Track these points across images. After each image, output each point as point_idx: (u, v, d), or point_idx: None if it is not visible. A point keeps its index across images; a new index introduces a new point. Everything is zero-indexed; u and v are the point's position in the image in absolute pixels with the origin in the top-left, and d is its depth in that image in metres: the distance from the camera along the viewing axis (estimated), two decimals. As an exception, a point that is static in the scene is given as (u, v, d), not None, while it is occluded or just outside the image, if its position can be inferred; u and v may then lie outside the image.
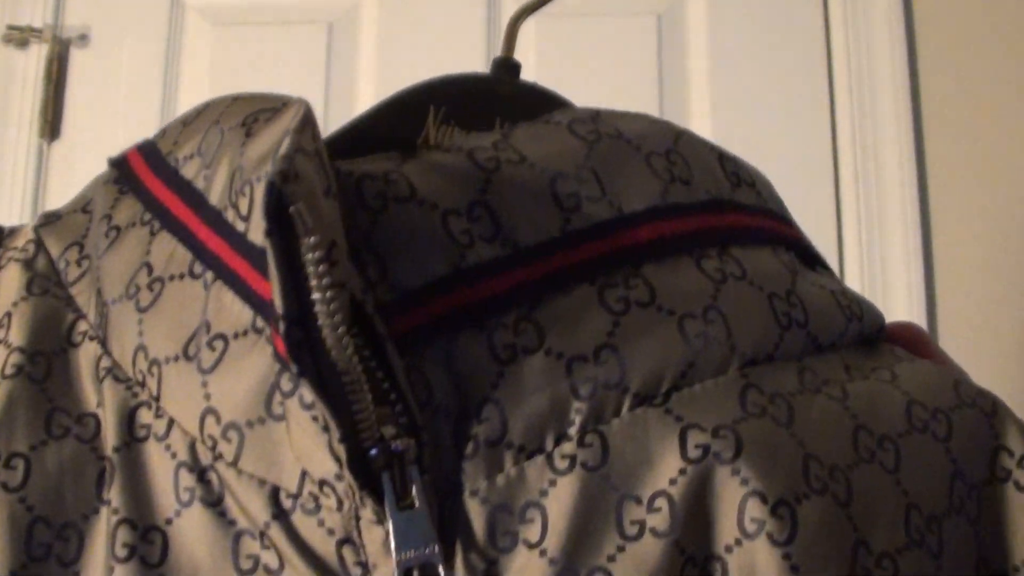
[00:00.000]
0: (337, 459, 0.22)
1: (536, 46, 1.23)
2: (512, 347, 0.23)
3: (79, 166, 1.23)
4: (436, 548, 0.21)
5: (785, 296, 0.27)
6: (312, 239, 0.21)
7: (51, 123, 1.25)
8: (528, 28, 1.22)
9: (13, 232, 0.30)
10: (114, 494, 0.24)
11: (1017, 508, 0.25)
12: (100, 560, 0.24)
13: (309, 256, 0.21)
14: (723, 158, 0.30)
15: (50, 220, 0.30)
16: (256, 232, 0.24)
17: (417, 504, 0.22)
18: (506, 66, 0.34)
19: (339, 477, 0.22)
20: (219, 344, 0.24)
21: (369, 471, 0.22)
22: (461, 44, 1.21)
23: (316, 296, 0.21)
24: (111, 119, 1.23)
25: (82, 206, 0.30)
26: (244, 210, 0.25)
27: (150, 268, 0.26)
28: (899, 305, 1.15)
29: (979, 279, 1.16)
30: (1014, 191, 1.17)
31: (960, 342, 1.14)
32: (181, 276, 0.25)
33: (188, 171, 0.27)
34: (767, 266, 0.27)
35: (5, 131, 1.26)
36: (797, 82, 1.21)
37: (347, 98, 1.22)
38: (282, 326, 0.21)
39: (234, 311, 0.24)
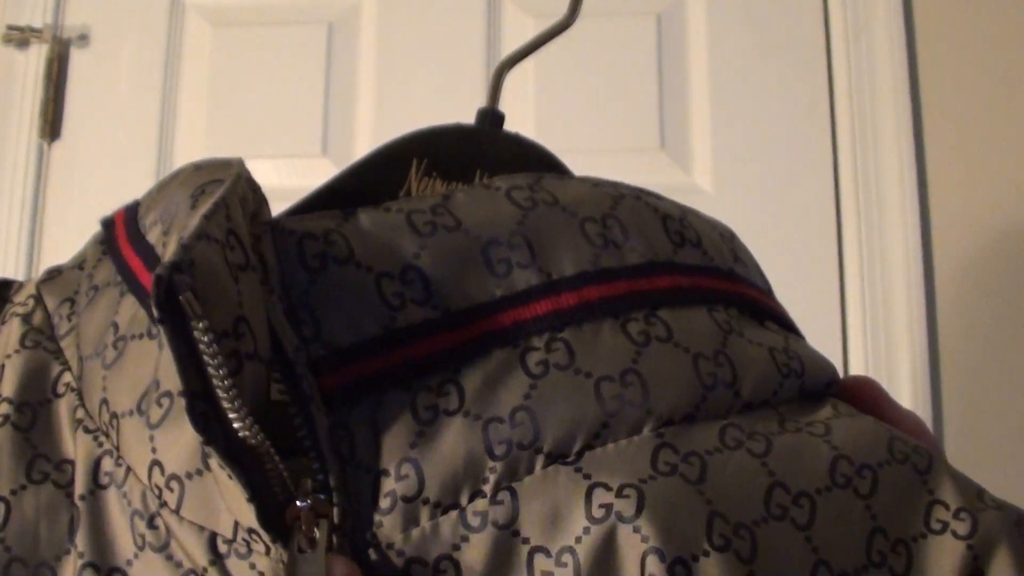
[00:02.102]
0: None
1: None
2: (434, 408, 0.25)
3: (79, 166, 1.23)
4: None
5: (712, 356, 0.27)
6: (202, 324, 0.22)
7: (51, 123, 1.25)
8: (528, 28, 1.22)
9: (20, 287, 0.33)
10: (80, 540, 0.26)
11: (953, 556, 0.26)
12: None
13: (202, 339, 0.22)
14: (667, 218, 0.30)
15: (52, 276, 0.32)
16: None
17: (316, 550, 0.23)
18: (490, 117, 0.36)
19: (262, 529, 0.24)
20: (165, 401, 0.26)
21: (282, 523, 0.24)
22: (461, 44, 1.21)
23: (211, 373, 0.22)
24: (111, 119, 1.23)
25: (79, 263, 0.32)
26: None
27: (116, 328, 0.28)
28: (899, 305, 1.15)
29: (979, 279, 1.16)
30: (1014, 191, 1.17)
31: (960, 342, 1.14)
32: (140, 336, 0.27)
33: (152, 236, 0.29)
34: (698, 326, 0.28)
35: (5, 131, 1.26)
36: (797, 82, 1.21)
37: (347, 98, 1.22)
38: (183, 402, 0.22)
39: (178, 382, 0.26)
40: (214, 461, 0.24)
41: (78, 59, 1.28)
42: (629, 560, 0.23)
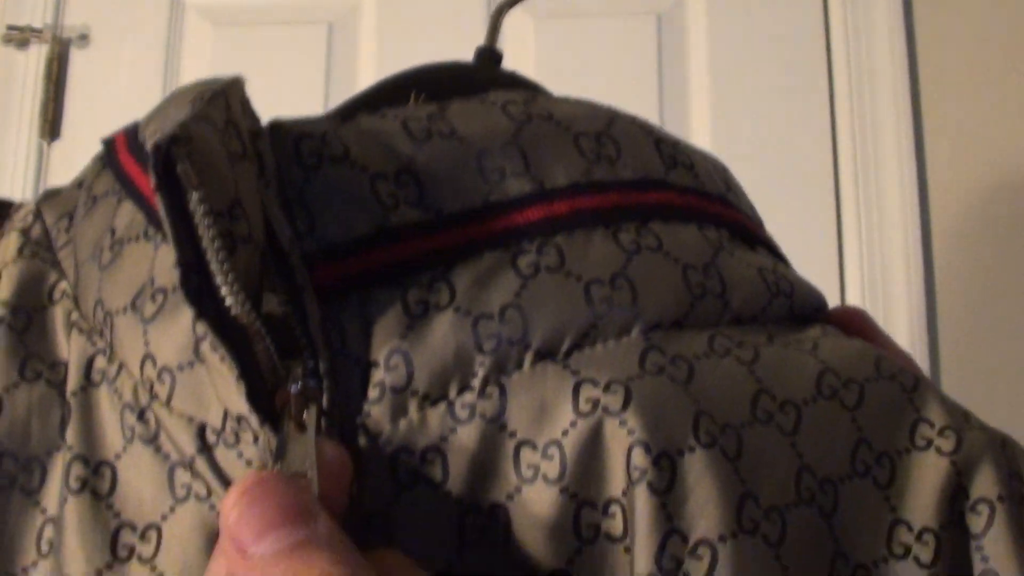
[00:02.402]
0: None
1: (536, 46, 1.23)
2: (424, 303, 0.25)
3: (79, 166, 1.22)
4: (311, 464, 0.22)
5: (702, 268, 0.28)
6: (197, 194, 0.22)
7: (51, 123, 1.25)
8: (528, 28, 1.22)
9: (20, 207, 0.33)
10: (70, 434, 0.27)
11: (937, 471, 0.26)
12: (57, 491, 0.26)
13: (198, 209, 0.22)
14: (660, 142, 0.31)
15: (51, 195, 0.33)
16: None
17: (305, 431, 0.23)
18: (488, 55, 0.35)
19: (251, 413, 0.24)
20: (159, 297, 0.26)
21: (272, 408, 0.24)
22: (461, 44, 1.21)
23: (206, 244, 0.23)
24: (111, 119, 1.23)
25: (78, 182, 0.33)
26: None
27: (113, 232, 0.28)
28: (899, 305, 1.15)
29: (979, 279, 1.16)
30: (1014, 191, 1.17)
31: (960, 342, 1.14)
32: (136, 238, 0.28)
33: (149, 146, 0.29)
34: (687, 240, 0.28)
35: (5, 131, 1.26)
36: (797, 82, 1.21)
37: (347, 98, 1.22)
38: (177, 273, 0.23)
39: (174, 268, 0.26)
40: (206, 344, 0.24)
41: (78, 59, 1.28)
42: (615, 453, 0.23)
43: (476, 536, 0.24)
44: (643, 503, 0.23)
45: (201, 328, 0.24)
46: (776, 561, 0.23)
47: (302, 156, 0.27)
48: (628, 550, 0.23)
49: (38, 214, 0.32)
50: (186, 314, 0.25)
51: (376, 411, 0.24)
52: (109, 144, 0.32)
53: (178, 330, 0.25)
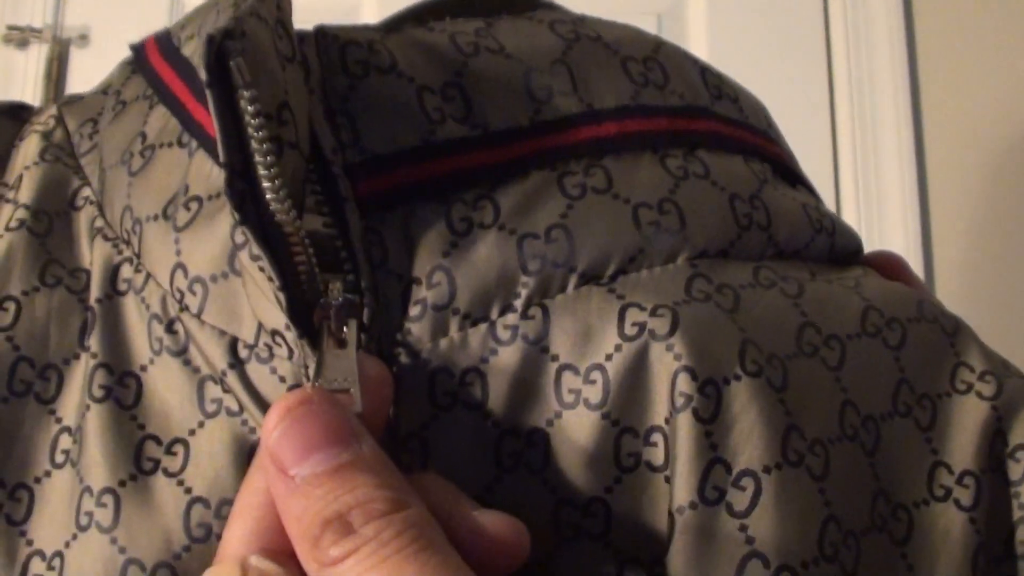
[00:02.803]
0: (282, 308, 0.23)
1: (536, 46, 1.23)
2: (468, 220, 0.24)
3: (79, 166, 1.23)
4: (354, 380, 0.22)
5: (748, 199, 0.27)
6: (249, 93, 0.21)
7: (51, 123, 1.25)
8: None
9: (40, 110, 0.32)
10: (94, 341, 0.26)
11: (977, 415, 0.26)
12: (76, 400, 0.26)
13: (248, 109, 0.21)
14: (705, 71, 0.30)
15: (73, 100, 0.32)
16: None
17: (347, 347, 0.22)
18: None
19: (288, 327, 0.23)
20: (194, 205, 0.25)
21: (310, 322, 0.23)
22: None
23: (255, 147, 0.21)
24: (111, 119, 1.23)
25: (103, 88, 0.32)
26: None
27: (144, 137, 0.27)
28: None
29: (979, 279, 1.16)
30: (1014, 191, 1.17)
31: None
32: (170, 144, 0.27)
33: (187, 49, 0.28)
34: (734, 170, 0.28)
35: (5, 131, 1.26)
36: (797, 82, 1.21)
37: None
38: (224, 175, 0.21)
39: (211, 175, 0.25)
40: (244, 254, 0.23)
41: (78, 59, 1.28)
42: (660, 378, 0.23)
43: (513, 461, 0.23)
44: (686, 431, 0.22)
45: (240, 236, 0.23)
46: (820, 495, 0.23)
47: (348, 64, 0.26)
48: (668, 480, 0.23)
49: (60, 118, 0.31)
50: (222, 224, 0.24)
51: (416, 329, 0.24)
52: (139, 49, 0.31)
53: (213, 240, 0.25)
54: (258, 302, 0.24)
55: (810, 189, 0.32)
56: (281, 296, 0.22)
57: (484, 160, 0.25)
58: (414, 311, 0.24)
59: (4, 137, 0.31)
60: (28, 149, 0.30)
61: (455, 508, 0.22)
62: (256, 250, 0.22)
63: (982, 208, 1.17)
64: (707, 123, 0.28)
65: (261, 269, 0.22)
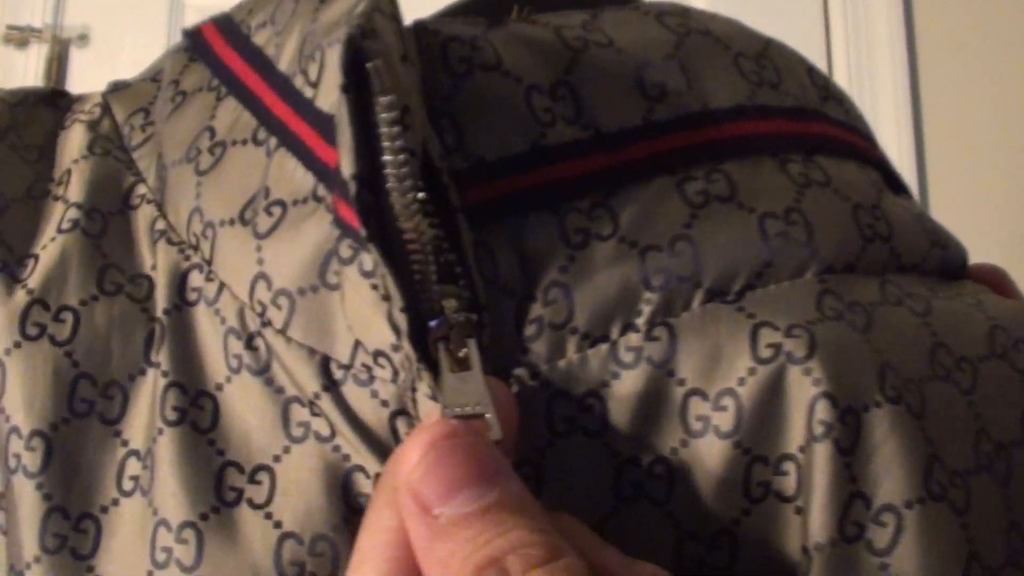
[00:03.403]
0: (395, 329, 0.21)
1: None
2: (585, 232, 0.22)
3: (79, 166, 1.23)
4: (488, 406, 0.20)
5: (870, 209, 0.25)
6: (387, 99, 0.20)
7: (51, 123, 1.25)
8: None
9: (82, 98, 0.30)
10: (163, 357, 0.24)
11: None
12: (143, 421, 0.24)
13: (384, 116, 0.20)
14: (812, 71, 0.29)
15: (119, 87, 0.30)
16: (326, 97, 0.23)
17: (472, 369, 0.21)
18: None
19: (396, 348, 0.21)
20: (277, 210, 0.23)
21: (426, 343, 0.21)
22: None
23: (387, 158, 0.20)
24: (111, 119, 1.23)
25: (152, 75, 0.30)
26: (313, 76, 0.24)
27: (213, 132, 0.26)
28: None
29: (979, 279, 1.16)
30: (1013, 191, 1.17)
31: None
32: (244, 142, 0.25)
33: (259, 39, 0.26)
34: (851, 178, 0.26)
35: (5, 131, 1.26)
36: (797, 82, 1.21)
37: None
38: (352, 186, 0.20)
39: (295, 178, 0.24)
40: (351, 269, 0.22)
41: (78, 59, 1.28)
42: (797, 405, 0.21)
43: (634, 492, 0.22)
44: (825, 462, 0.21)
45: (347, 250, 0.22)
46: (963, 531, 0.21)
47: (450, 62, 0.24)
48: (800, 511, 0.21)
49: (106, 107, 0.29)
50: (310, 231, 0.23)
51: (533, 349, 0.22)
52: (195, 35, 0.29)
53: (300, 249, 0.23)
54: (359, 320, 0.22)
55: (909, 195, 0.30)
56: (402, 317, 0.21)
57: (598, 164, 0.23)
58: (530, 330, 0.22)
59: (44, 127, 0.29)
60: (74, 141, 0.28)
61: (597, 555, 0.20)
62: (369, 266, 0.21)
63: (982, 208, 1.17)
64: (821, 126, 0.27)
65: (375, 287, 0.21)
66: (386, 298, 0.21)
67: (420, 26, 0.25)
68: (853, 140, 0.28)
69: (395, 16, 0.22)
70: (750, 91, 0.26)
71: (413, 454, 0.19)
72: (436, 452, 0.19)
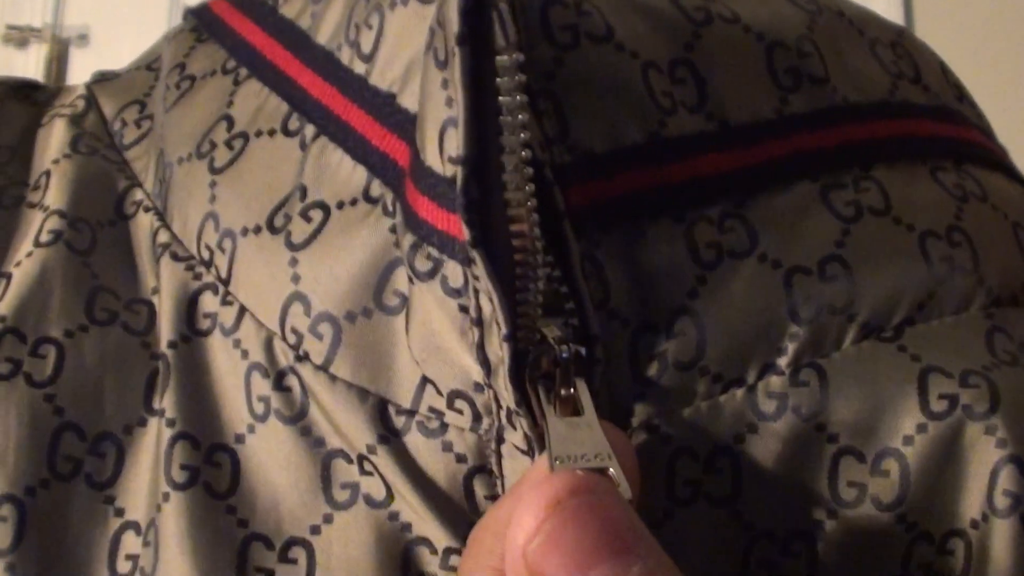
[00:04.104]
0: (485, 364, 0.17)
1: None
2: (717, 247, 0.18)
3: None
4: (609, 457, 0.15)
5: None
6: (513, 58, 0.15)
7: (51, 123, 1.25)
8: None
9: (63, 90, 0.26)
10: (169, 402, 0.19)
11: None
12: (144, 485, 0.19)
13: (504, 81, 0.15)
14: (945, 68, 0.25)
15: (106, 78, 0.25)
16: (384, 72, 0.19)
17: (584, 413, 0.16)
18: None
19: (480, 387, 0.17)
20: (317, 214, 0.19)
21: (524, 382, 0.17)
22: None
23: (506, 142, 0.16)
24: (111, 119, 1.24)
25: (147, 63, 0.25)
26: (367, 47, 0.20)
27: (231, 122, 0.21)
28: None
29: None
30: (1014, 190, 1.17)
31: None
32: (271, 132, 0.21)
33: (289, 10, 0.22)
34: (1006, 191, 0.23)
35: (5, 131, 1.26)
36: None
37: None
38: (461, 174, 0.16)
39: (341, 173, 0.19)
40: (431, 286, 0.17)
41: (78, 59, 1.28)
42: (975, 469, 0.17)
43: (766, 571, 0.18)
44: (1009, 542, 0.17)
45: (425, 263, 0.17)
46: None
47: (552, 29, 0.19)
48: None
49: (91, 99, 0.24)
50: (366, 242, 0.18)
51: (651, 393, 0.18)
52: (203, 12, 0.25)
53: (350, 263, 0.18)
54: (434, 351, 0.18)
55: None
56: (505, 347, 0.16)
57: (728, 164, 0.19)
58: (650, 369, 0.18)
59: (17, 124, 0.24)
60: (54, 138, 0.23)
61: None
62: (459, 282, 0.17)
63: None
64: (964, 130, 0.23)
65: (463, 309, 0.17)
66: (478, 323, 0.17)
67: None
68: (992, 147, 0.25)
69: None
70: (891, 84, 0.22)
71: (528, 516, 0.14)
72: (561, 514, 0.14)
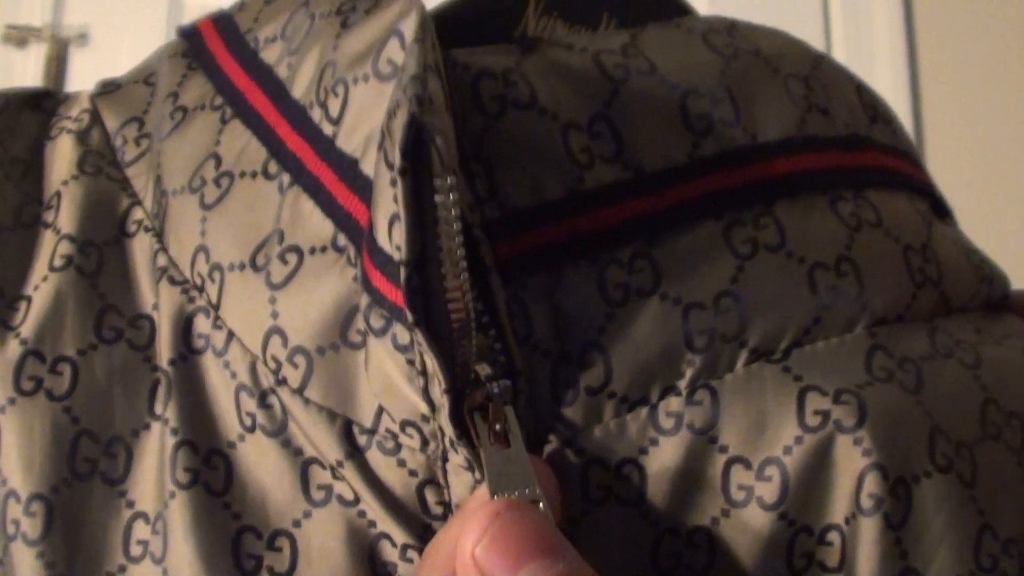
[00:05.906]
0: (429, 403, 0.20)
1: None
2: (624, 287, 0.21)
3: (79, 166, 1.23)
4: (536, 489, 0.19)
5: (920, 250, 0.24)
6: (450, 180, 0.18)
7: (51, 123, 1.25)
8: (528, 28, 1.22)
9: (69, 100, 0.27)
10: (172, 412, 0.22)
11: None
12: (150, 481, 0.22)
13: (441, 200, 0.18)
14: (861, 89, 0.27)
15: (108, 89, 0.27)
16: (348, 137, 0.21)
17: (512, 445, 0.19)
18: None
19: (427, 419, 0.20)
20: (292, 257, 0.21)
21: (463, 416, 0.20)
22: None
23: (444, 244, 0.18)
24: (111, 119, 1.24)
25: (144, 77, 0.27)
26: (334, 112, 0.22)
27: (219, 160, 0.23)
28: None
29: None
30: (1013, 192, 1.17)
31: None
32: (253, 174, 0.23)
33: (269, 55, 0.24)
34: (903, 214, 0.25)
35: (4, 131, 1.26)
36: (797, 82, 1.21)
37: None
38: (403, 272, 0.18)
39: (312, 223, 0.22)
40: (383, 342, 0.19)
41: (78, 59, 1.28)
42: (844, 474, 0.20)
43: (672, 563, 0.20)
44: (874, 536, 0.20)
45: (379, 320, 0.20)
46: None
47: (482, 100, 0.22)
48: None
49: (95, 114, 0.26)
50: (331, 285, 0.21)
51: (567, 414, 0.21)
52: (192, 36, 0.26)
53: (319, 304, 0.21)
54: (386, 389, 0.20)
55: (952, 219, 0.29)
56: (445, 398, 0.19)
57: (640, 209, 0.21)
58: (567, 394, 0.21)
59: (29, 136, 0.26)
60: (62, 156, 0.25)
61: None
62: (405, 340, 0.19)
63: (982, 208, 1.18)
64: (874, 156, 0.25)
65: (410, 362, 0.19)
66: (422, 374, 0.19)
67: (450, 60, 0.23)
68: (902, 167, 0.26)
69: (437, 64, 0.20)
70: (800, 119, 0.24)
71: (475, 526, 0.18)
72: (501, 522, 0.18)
